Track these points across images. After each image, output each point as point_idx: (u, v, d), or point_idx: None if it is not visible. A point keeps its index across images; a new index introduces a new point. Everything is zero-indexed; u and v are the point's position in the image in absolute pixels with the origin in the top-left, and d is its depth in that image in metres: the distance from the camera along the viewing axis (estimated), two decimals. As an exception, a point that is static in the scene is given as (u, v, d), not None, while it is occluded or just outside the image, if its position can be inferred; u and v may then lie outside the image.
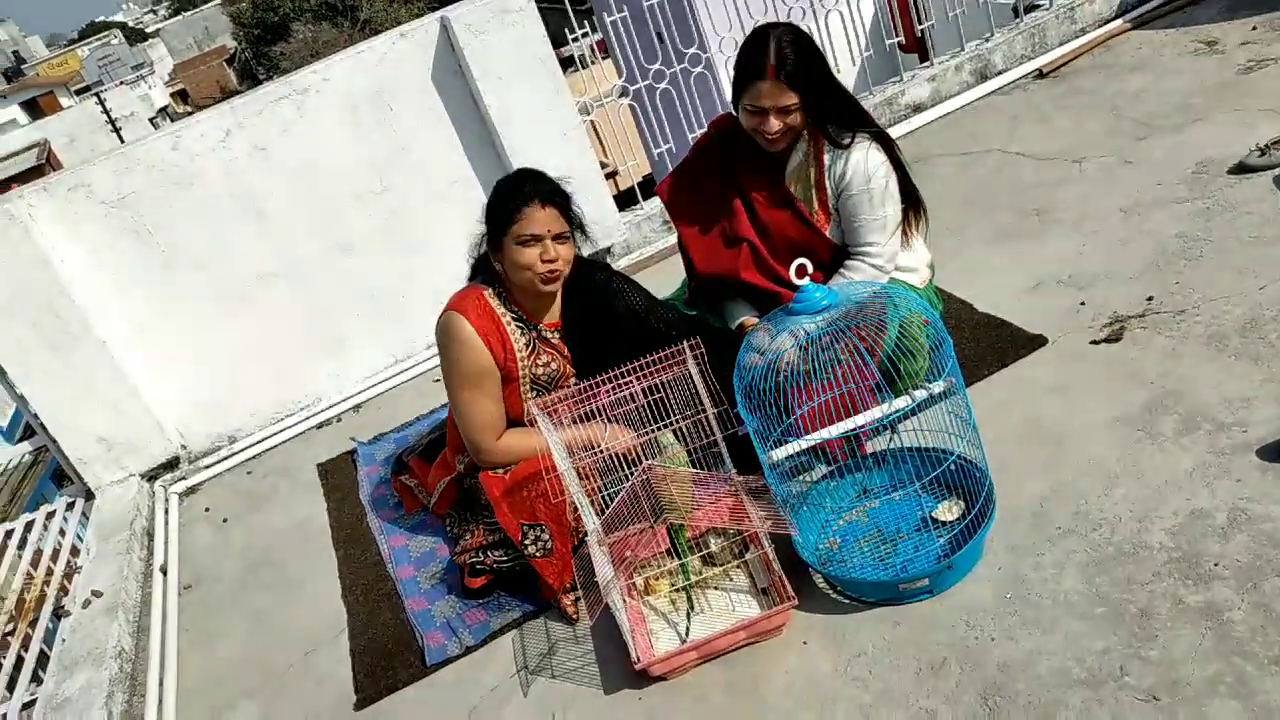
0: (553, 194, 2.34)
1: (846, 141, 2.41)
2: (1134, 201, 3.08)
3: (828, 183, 2.45)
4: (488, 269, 2.45)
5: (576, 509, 2.23)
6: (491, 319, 2.38)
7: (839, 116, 2.42)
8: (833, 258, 2.50)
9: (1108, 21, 4.46)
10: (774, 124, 2.35)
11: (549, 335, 2.48)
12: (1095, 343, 2.54)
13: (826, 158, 2.44)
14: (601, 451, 2.21)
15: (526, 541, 2.28)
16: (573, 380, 2.48)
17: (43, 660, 2.77)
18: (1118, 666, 1.73)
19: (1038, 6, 4.57)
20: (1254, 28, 3.93)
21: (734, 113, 2.52)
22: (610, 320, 2.47)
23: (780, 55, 2.30)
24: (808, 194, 2.49)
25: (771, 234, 2.50)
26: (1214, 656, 1.68)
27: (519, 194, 2.33)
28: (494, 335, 2.38)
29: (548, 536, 2.27)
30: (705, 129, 2.67)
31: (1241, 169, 3.01)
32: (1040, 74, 4.29)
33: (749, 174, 2.52)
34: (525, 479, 2.29)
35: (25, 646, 2.80)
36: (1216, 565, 1.84)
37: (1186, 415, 2.20)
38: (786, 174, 2.50)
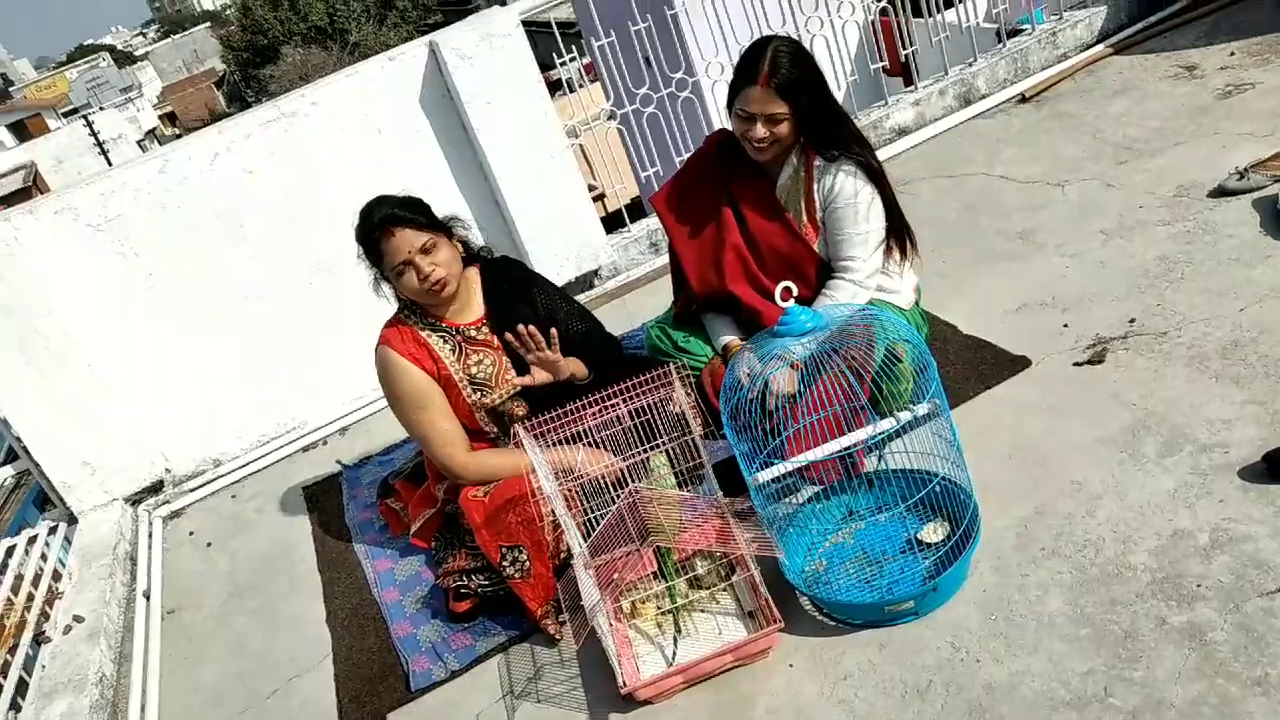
0: (398, 214, 2.37)
1: (834, 155, 2.43)
2: (1116, 224, 3.11)
3: (816, 197, 2.48)
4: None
5: (556, 528, 2.23)
6: (413, 339, 2.47)
7: (830, 135, 2.44)
8: (819, 274, 2.52)
9: (1089, 46, 4.52)
10: (760, 131, 2.37)
11: (473, 334, 2.52)
12: (1078, 364, 2.55)
13: (816, 172, 2.47)
14: (578, 478, 2.21)
15: (505, 563, 2.27)
16: (512, 373, 2.51)
17: (22, 687, 2.73)
18: (1102, 688, 1.73)
19: (1021, 32, 4.63)
20: (1232, 53, 3.99)
21: (728, 126, 2.55)
22: (533, 309, 2.55)
23: (774, 64, 2.33)
24: (797, 208, 2.51)
25: (760, 246, 2.52)
26: (1197, 677, 1.69)
27: (371, 230, 2.38)
28: (420, 353, 2.45)
29: (525, 557, 2.27)
30: (703, 142, 2.69)
31: (1221, 192, 3.04)
32: (1023, 98, 4.34)
33: (742, 187, 2.54)
34: (506, 503, 2.28)
35: (4, 673, 2.76)
36: (1199, 586, 1.85)
37: (1169, 436, 2.22)
38: (778, 188, 2.52)
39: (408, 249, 2.35)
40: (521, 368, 2.52)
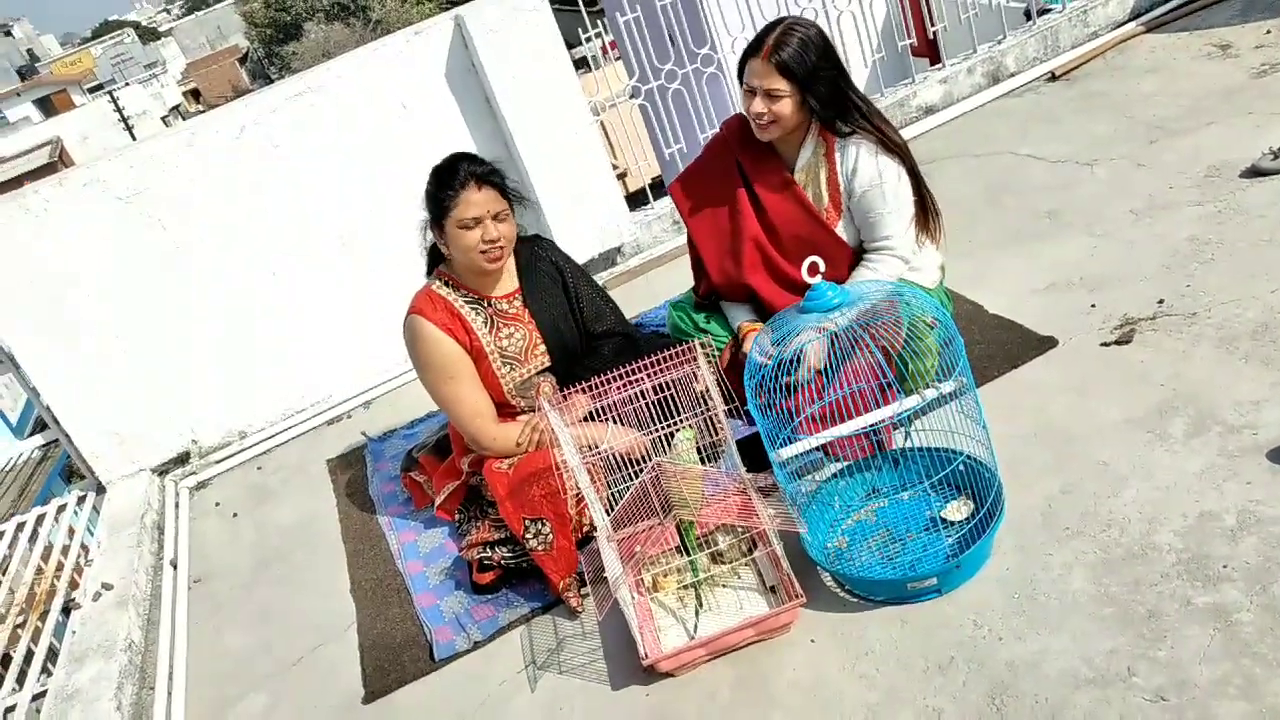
0: (488, 174, 2.40)
1: (848, 131, 2.41)
2: (1146, 204, 3.07)
3: (840, 179, 2.45)
4: (437, 256, 2.56)
5: (580, 501, 2.25)
6: (446, 309, 2.47)
7: (845, 119, 2.42)
8: (840, 257, 2.50)
9: (1121, 24, 4.46)
10: (758, 105, 2.36)
11: (505, 307, 2.54)
12: (1106, 344, 2.53)
13: (837, 154, 2.45)
14: (602, 452, 2.22)
15: (528, 535, 2.29)
16: (542, 348, 2.53)
17: (52, 653, 2.78)
18: (1126, 667, 1.73)
19: (1050, 9, 4.56)
20: (1268, 31, 3.92)
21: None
22: (564, 291, 2.59)
23: (780, 41, 2.31)
24: (818, 190, 2.49)
25: (779, 231, 2.50)
26: (1222, 657, 1.68)
27: (455, 178, 2.39)
28: (454, 323, 2.47)
29: (548, 530, 2.28)
30: (720, 126, 2.68)
31: (1254, 172, 3.00)
32: (1053, 76, 4.29)
33: (757, 171, 2.52)
34: (530, 476, 2.30)
35: (35, 639, 2.82)
36: (1225, 567, 1.84)
37: (1196, 417, 2.20)
38: (797, 169, 2.50)
39: (487, 207, 2.38)
40: (552, 345, 2.53)
